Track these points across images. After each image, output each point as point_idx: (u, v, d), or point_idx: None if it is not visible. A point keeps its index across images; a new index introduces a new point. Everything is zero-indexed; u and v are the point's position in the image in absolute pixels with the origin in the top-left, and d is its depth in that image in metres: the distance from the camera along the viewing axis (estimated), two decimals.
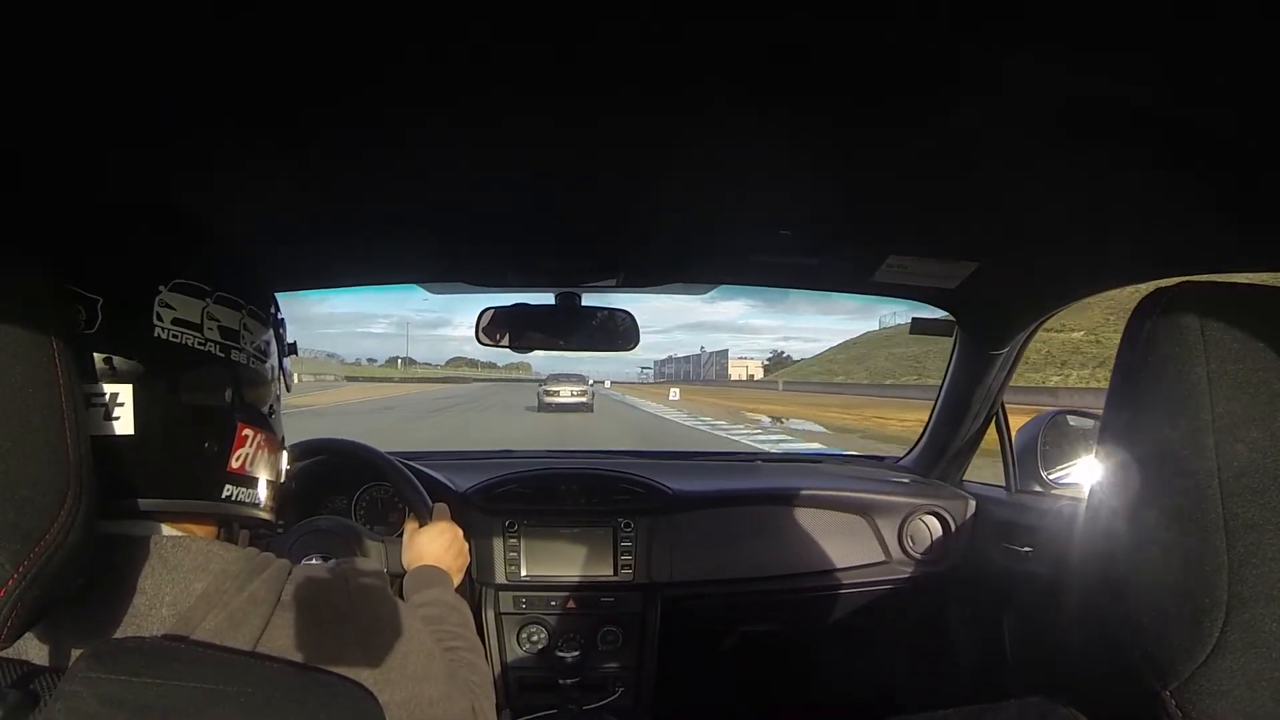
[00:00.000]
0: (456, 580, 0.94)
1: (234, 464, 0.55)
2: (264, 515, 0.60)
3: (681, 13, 0.50)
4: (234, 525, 0.60)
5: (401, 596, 0.81)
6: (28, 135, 0.62)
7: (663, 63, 0.58)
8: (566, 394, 21.77)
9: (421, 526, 1.02)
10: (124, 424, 0.49)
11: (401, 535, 1.21)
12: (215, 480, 0.54)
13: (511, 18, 0.51)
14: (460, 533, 1.00)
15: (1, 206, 0.60)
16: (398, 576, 0.95)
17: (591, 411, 20.44)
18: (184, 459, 0.52)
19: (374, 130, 0.72)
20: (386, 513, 1.39)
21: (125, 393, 0.49)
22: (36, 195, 0.66)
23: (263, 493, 0.59)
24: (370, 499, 1.39)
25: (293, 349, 0.66)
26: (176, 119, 0.65)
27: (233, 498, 0.56)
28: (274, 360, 0.61)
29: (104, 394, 0.48)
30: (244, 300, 0.56)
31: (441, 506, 1.05)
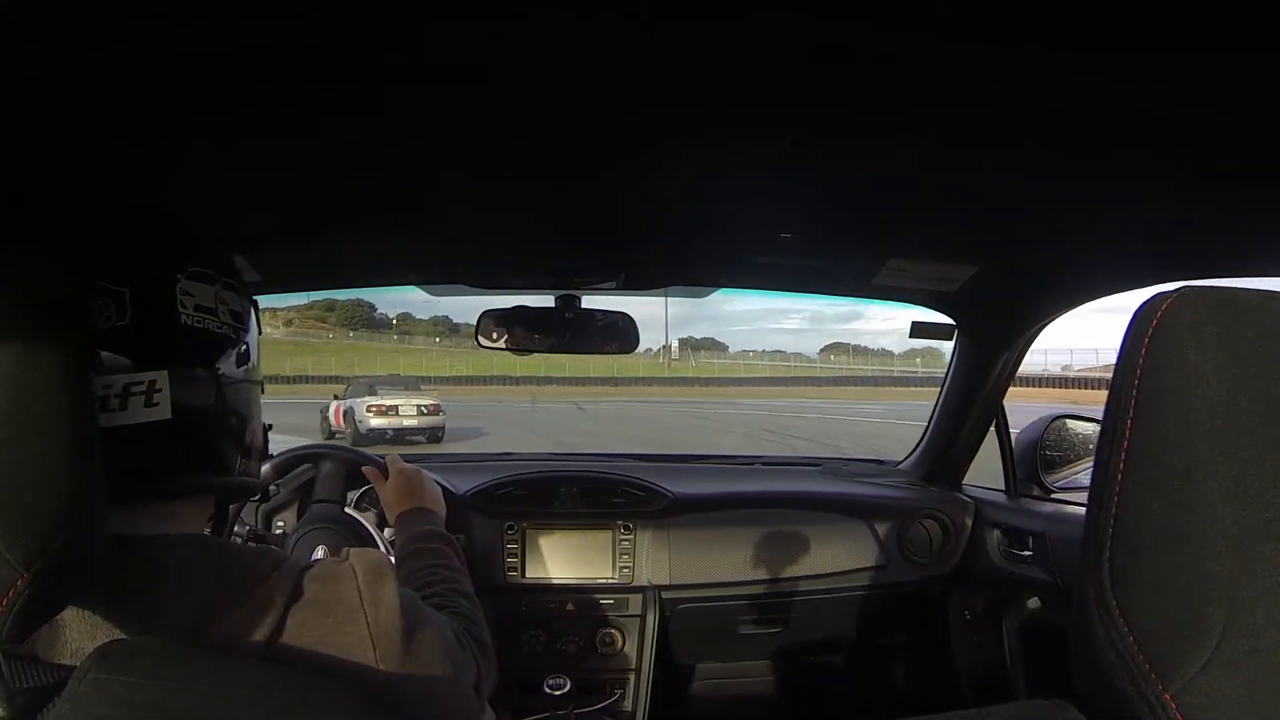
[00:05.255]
0: (436, 505, 0.97)
1: (246, 439, 0.59)
2: (258, 488, 0.65)
3: (683, 14, 0.50)
4: (230, 497, 0.62)
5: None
6: (35, 136, 0.62)
7: (664, 66, 0.58)
8: (411, 411, 12.44)
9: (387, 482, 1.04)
10: (163, 409, 0.51)
11: None
12: (232, 454, 0.58)
13: (511, 17, 0.51)
14: (413, 468, 1.03)
15: (15, 207, 0.60)
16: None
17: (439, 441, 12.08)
18: (214, 437, 0.55)
19: (374, 132, 0.72)
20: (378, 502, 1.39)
21: (162, 378, 0.51)
22: (49, 195, 0.66)
23: (258, 465, 0.63)
24: (368, 495, 1.39)
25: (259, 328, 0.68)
26: (179, 118, 0.65)
27: (246, 471, 0.59)
28: (257, 342, 0.63)
29: (143, 382, 0.50)
30: (239, 284, 0.59)
31: (392, 457, 1.08)
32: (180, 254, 0.54)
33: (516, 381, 36.45)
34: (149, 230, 0.55)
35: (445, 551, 0.84)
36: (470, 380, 35.75)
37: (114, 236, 0.53)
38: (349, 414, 12.78)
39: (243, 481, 0.59)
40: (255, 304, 0.64)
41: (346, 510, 1.19)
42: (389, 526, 1.25)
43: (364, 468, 1.12)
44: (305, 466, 1.30)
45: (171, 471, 0.53)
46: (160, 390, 0.50)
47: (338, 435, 12.32)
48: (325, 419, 13.38)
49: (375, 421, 12.19)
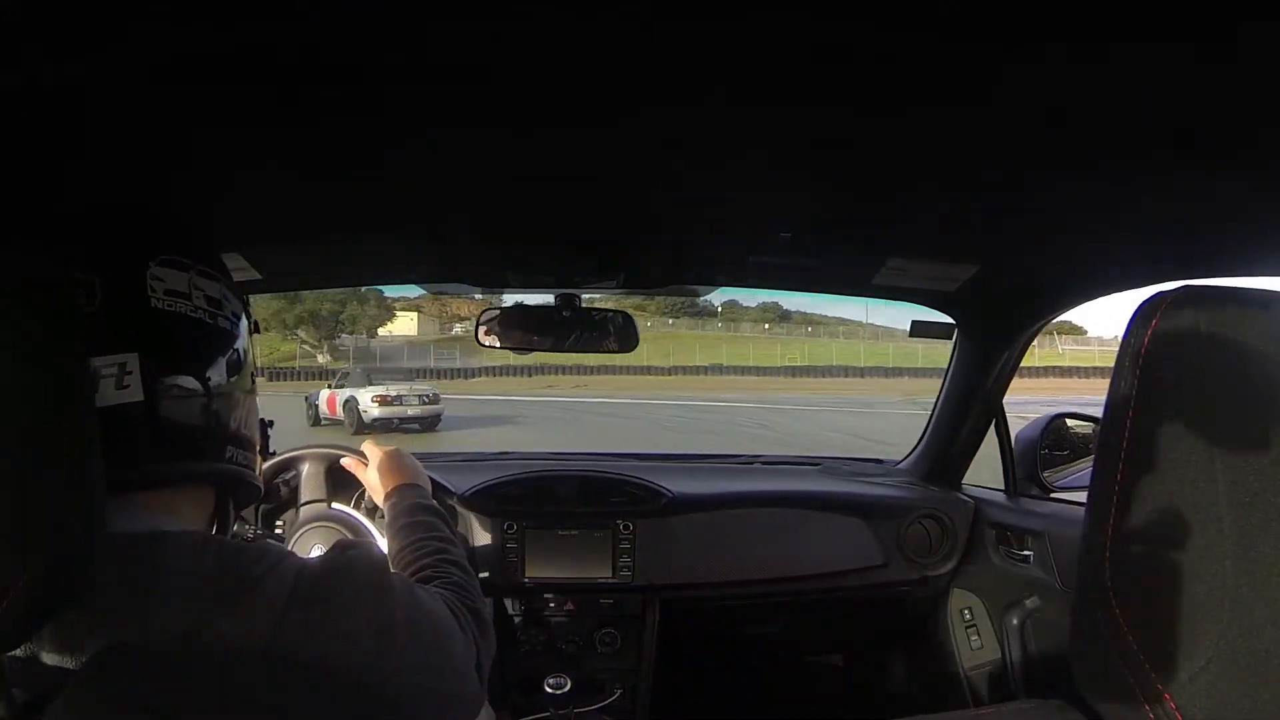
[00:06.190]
0: (420, 479, 0.98)
1: (233, 426, 0.58)
2: (257, 482, 0.63)
3: (683, 14, 0.50)
4: (228, 491, 0.61)
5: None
6: (34, 136, 0.62)
7: (664, 66, 0.58)
8: (413, 400, 12.85)
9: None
10: (134, 391, 0.51)
11: None
12: (219, 441, 0.57)
13: (511, 17, 0.51)
14: (393, 448, 1.04)
15: (15, 208, 0.61)
16: None
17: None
18: (192, 421, 0.55)
19: (374, 132, 0.72)
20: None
21: (133, 361, 0.51)
22: (47, 196, 0.66)
23: (254, 457, 0.62)
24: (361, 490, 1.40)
25: (256, 328, 0.68)
26: (179, 118, 0.65)
27: (234, 460, 0.58)
28: (247, 335, 0.63)
29: (114, 365, 0.50)
30: (220, 274, 0.59)
31: (367, 444, 1.08)
32: (152, 243, 0.55)
33: (822, 373, 30.27)
34: (120, 221, 0.56)
35: (434, 523, 0.85)
36: (805, 372, 30.26)
37: (87, 227, 0.54)
38: (350, 404, 12.83)
39: (238, 471, 0.59)
40: (245, 300, 0.63)
41: (334, 506, 1.20)
42: (381, 514, 1.26)
43: (342, 460, 1.12)
44: (290, 474, 1.31)
45: (153, 457, 0.52)
46: (131, 372, 0.50)
47: (325, 422, 12.76)
48: (313, 406, 13.63)
49: (379, 411, 12.34)
